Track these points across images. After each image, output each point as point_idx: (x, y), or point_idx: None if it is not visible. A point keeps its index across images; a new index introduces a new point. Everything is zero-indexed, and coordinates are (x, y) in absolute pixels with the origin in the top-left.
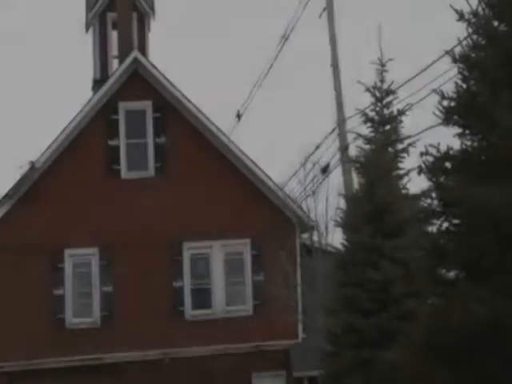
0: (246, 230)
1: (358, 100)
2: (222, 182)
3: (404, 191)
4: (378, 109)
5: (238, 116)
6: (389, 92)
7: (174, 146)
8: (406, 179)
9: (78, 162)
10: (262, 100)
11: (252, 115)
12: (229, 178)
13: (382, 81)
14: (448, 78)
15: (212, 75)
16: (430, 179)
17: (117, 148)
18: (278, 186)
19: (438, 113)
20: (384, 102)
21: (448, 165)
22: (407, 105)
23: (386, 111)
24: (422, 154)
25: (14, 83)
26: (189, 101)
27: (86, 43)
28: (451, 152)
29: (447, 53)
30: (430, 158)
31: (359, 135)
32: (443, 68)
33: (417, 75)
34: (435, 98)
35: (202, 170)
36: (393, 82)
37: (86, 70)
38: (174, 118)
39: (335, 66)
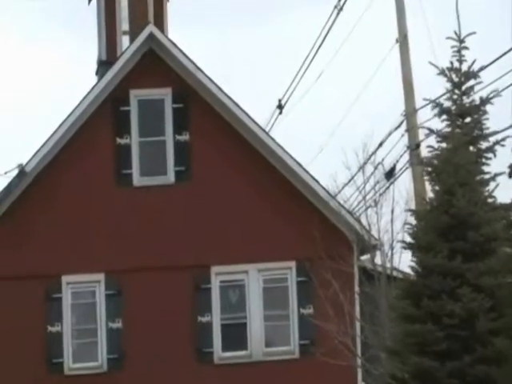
0: (291, 251)
1: (430, 86)
2: (259, 190)
3: (490, 200)
4: (455, 97)
5: (280, 107)
6: (469, 75)
7: (199, 144)
8: (492, 185)
9: (79, 166)
10: (309, 87)
11: (297, 105)
12: (268, 184)
13: (461, 61)
14: None
15: (247, 56)
16: None
17: (128, 148)
18: (331, 194)
19: None
20: (463, 87)
21: None
22: (494, 91)
23: (465, 100)
24: None
25: None
26: (219, 88)
27: (89, 16)
28: None
29: None
30: None
31: (431, 131)
32: None
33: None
34: None
35: (234, 174)
36: (474, 62)
37: (89, 49)
38: (200, 109)
39: (403, 40)
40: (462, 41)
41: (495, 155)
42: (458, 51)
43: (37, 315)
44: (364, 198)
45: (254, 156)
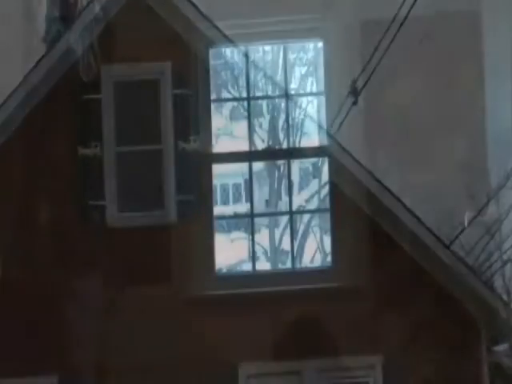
0: (371, 340)
1: None
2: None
3: None
4: None
5: (354, 92)
6: None
7: None
8: None
9: (19, 194)
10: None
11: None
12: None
13: None
14: None
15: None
16: None
17: (98, 163)
18: (441, 239)
19: None
20: None
21: None
22: None
23: None
24: None
25: None
26: (248, 59)
27: None
28: None
29: None
30: None
31: None
32: None
33: None
34: None
35: None
36: None
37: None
38: None
39: None
40: None
41: None
42: None
43: None
44: (500, 248)
45: None
